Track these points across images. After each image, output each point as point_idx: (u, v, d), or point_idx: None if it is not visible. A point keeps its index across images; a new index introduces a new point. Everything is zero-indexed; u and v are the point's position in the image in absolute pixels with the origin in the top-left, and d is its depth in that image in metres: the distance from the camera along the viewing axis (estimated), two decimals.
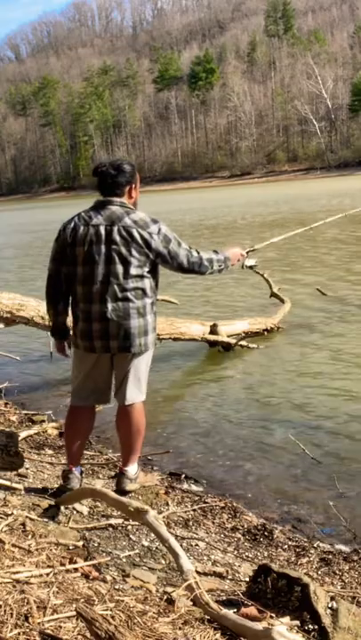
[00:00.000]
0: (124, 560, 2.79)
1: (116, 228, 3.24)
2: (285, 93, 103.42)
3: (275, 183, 75.04)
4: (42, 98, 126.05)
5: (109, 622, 1.81)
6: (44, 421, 5.30)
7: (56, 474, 3.93)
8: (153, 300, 3.38)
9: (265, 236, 19.65)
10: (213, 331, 7.55)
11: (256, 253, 3.96)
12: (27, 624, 1.88)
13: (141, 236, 3.25)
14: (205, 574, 2.77)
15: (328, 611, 2.16)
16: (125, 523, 3.14)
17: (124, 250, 3.23)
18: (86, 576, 2.40)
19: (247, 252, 4.00)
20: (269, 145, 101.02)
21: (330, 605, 2.18)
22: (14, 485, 3.38)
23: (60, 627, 1.90)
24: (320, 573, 3.03)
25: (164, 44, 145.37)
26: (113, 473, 3.98)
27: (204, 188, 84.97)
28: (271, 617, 2.12)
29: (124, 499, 2.85)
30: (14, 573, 2.23)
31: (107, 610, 1.99)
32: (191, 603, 2.17)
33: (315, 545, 3.36)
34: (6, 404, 5.85)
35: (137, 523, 2.92)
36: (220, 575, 2.84)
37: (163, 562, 2.84)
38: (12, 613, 1.91)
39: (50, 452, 4.49)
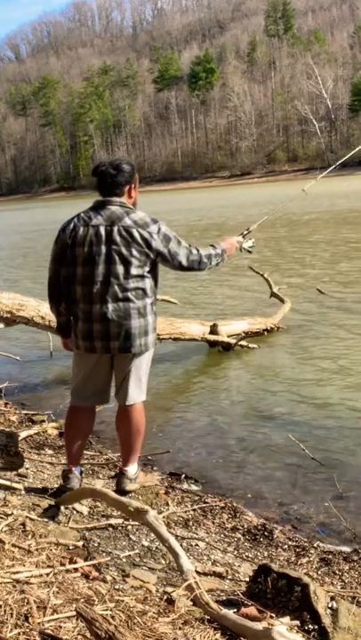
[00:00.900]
0: (124, 560, 2.79)
1: (116, 229, 3.24)
2: (285, 93, 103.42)
3: (274, 183, 75.02)
4: (42, 98, 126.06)
5: (109, 622, 1.81)
6: (44, 421, 5.30)
7: (56, 474, 3.93)
8: (153, 299, 3.38)
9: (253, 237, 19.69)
10: (213, 331, 7.55)
11: (253, 235, 3.95)
12: (27, 624, 1.88)
13: (142, 236, 3.25)
14: (205, 574, 2.77)
15: (328, 611, 2.16)
16: (125, 523, 3.14)
17: (124, 250, 3.23)
18: (86, 576, 2.40)
19: (243, 236, 3.95)
20: (269, 145, 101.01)
21: (330, 605, 2.18)
22: (14, 485, 3.38)
23: (60, 627, 1.90)
24: (320, 573, 3.03)
25: (164, 44, 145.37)
26: (113, 473, 3.98)
27: (204, 188, 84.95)
28: (271, 617, 2.12)
29: (124, 499, 2.85)
30: (14, 573, 2.23)
31: (107, 610, 1.99)
32: (191, 603, 2.17)
33: (315, 545, 3.36)
34: (6, 403, 5.85)
35: (137, 523, 2.92)
36: (220, 575, 2.84)
37: (163, 562, 2.84)
38: (12, 613, 1.91)
39: (50, 451, 4.49)
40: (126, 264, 3.24)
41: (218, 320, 7.84)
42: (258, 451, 4.75)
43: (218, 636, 1.98)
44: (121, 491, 3.44)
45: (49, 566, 2.37)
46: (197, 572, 2.48)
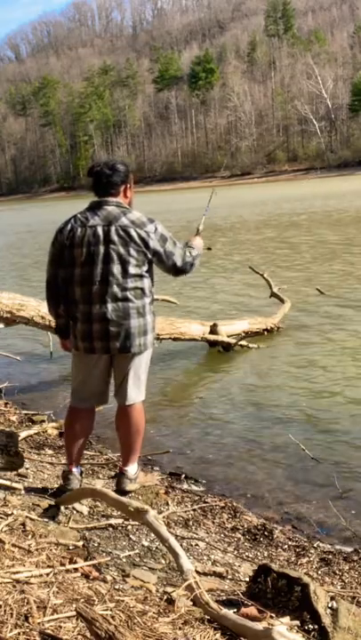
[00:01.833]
0: (124, 560, 2.79)
1: (113, 229, 3.24)
2: (285, 93, 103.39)
3: (275, 183, 75.04)
4: (42, 98, 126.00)
5: (109, 622, 1.81)
6: (44, 421, 5.30)
7: (56, 474, 3.93)
8: (151, 299, 3.39)
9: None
10: (213, 331, 7.55)
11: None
12: (27, 624, 1.88)
13: (139, 235, 3.25)
14: (205, 574, 2.77)
15: (328, 610, 2.16)
16: (125, 523, 3.14)
17: (122, 250, 3.23)
18: (86, 576, 2.40)
19: (199, 235, 3.90)
20: (269, 145, 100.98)
21: (330, 605, 2.18)
22: (14, 485, 3.38)
23: (60, 627, 1.90)
24: (320, 573, 3.03)
25: (164, 44, 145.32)
26: (113, 473, 3.98)
27: (204, 187, 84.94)
28: (271, 617, 2.12)
29: (124, 499, 2.85)
30: (14, 573, 2.23)
31: (107, 610, 1.99)
32: (191, 603, 2.17)
33: (315, 545, 3.36)
34: (6, 403, 5.85)
35: (137, 523, 2.92)
36: (220, 575, 2.84)
37: (163, 562, 2.84)
38: (12, 613, 1.91)
39: (50, 451, 4.49)
40: (125, 264, 3.24)
41: (218, 320, 7.84)
42: (258, 451, 4.75)
43: (218, 635, 1.98)
44: (121, 491, 3.44)
45: (49, 566, 2.37)
46: (197, 572, 2.48)
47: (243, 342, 7.60)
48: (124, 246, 3.24)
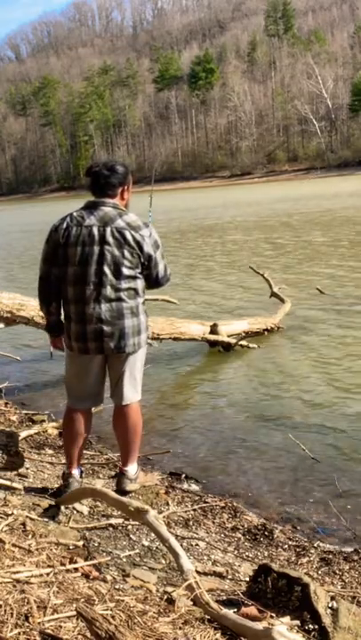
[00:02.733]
0: (125, 560, 2.79)
1: (109, 230, 3.23)
2: (285, 93, 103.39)
3: (275, 183, 75.05)
4: (42, 98, 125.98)
5: (110, 622, 1.81)
6: (44, 421, 5.30)
7: (56, 474, 3.93)
8: (143, 299, 3.40)
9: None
10: (213, 330, 7.55)
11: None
12: (27, 624, 1.88)
13: (134, 238, 3.25)
14: (205, 574, 2.77)
15: (328, 610, 2.16)
16: (125, 522, 3.14)
17: (116, 251, 3.23)
18: (86, 576, 2.40)
19: None
20: (270, 145, 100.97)
21: (330, 605, 2.18)
22: (14, 485, 3.38)
23: (61, 626, 1.90)
24: (320, 573, 3.03)
25: (164, 44, 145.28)
26: (113, 473, 3.98)
27: (204, 187, 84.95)
28: (271, 617, 2.12)
29: (124, 498, 2.85)
30: (14, 573, 2.23)
31: (107, 610, 1.99)
32: (191, 602, 2.17)
33: (315, 545, 3.36)
34: (6, 403, 5.85)
35: (137, 522, 2.92)
36: (220, 575, 2.84)
37: (163, 561, 2.84)
38: (12, 613, 1.91)
39: (50, 451, 4.49)
40: (119, 265, 3.24)
41: (218, 320, 7.84)
42: (258, 450, 4.75)
43: (218, 635, 1.98)
44: (121, 491, 3.43)
45: (49, 566, 2.37)
46: (198, 572, 2.48)
47: (243, 342, 7.60)
48: (119, 248, 3.23)
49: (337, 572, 3.05)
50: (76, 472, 3.45)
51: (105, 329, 3.25)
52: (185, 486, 4.10)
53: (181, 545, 2.74)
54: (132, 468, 3.56)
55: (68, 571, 2.37)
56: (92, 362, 3.36)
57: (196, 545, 3.16)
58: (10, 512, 2.91)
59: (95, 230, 3.23)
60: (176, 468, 4.45)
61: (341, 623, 2.12)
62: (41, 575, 2.26)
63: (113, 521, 3.16)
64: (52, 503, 3.22)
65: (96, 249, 3.22)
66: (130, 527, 3.13)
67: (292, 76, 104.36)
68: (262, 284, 9.78)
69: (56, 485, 3.52)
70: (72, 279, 3.27)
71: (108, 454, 4.53)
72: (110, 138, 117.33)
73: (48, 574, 2.28)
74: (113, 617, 1.87)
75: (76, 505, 3.28)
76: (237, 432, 5.16)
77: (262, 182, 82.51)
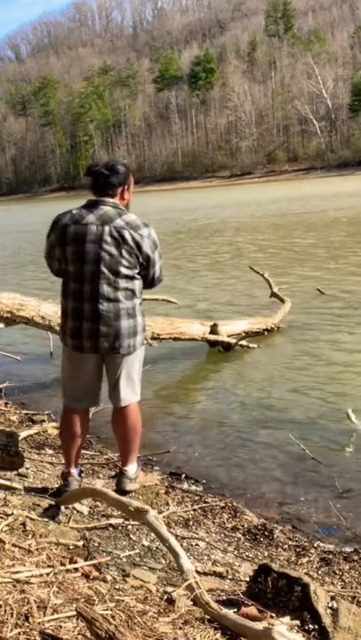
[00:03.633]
0: (125, 560, 2.79)
1: (107, 228, 3.22)
2: (285, 93, 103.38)
3: (275, 183, 75.06)
4: (42, 98, 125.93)
5: (110, 622, 1.81)
6: (44, 421, 5.30)
7: (56, 473, 3.93)
8: (141, 300, 3.39)
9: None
10: (214, 330, 7.55)
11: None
12: (27, 624, 1.88)
13: (133, 238, 3.24)
14: (205, 574, 2.77)
15: (328, 610, 2.16)
16: (125, 522, 3.14)
17: (114, 250, 3.22)
18: (86, 576, 2.40)
19: None
20: (270, 145, 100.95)
21: (330, 605, 2.18)
22: (14, 485, 3.38)
23: (61, 626, 1.90)
24: (320, 573, 3.03)
25: (164, 44, 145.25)
26: (113, 473, 3.98)
27: (204, 188, 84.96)
28: (271, 617, 2.12)
29: (124, 498, 2.85)
30: (14, 573, 2.23)
31: (107, 610, 1.99)
32: (191, 602, 2.17)
33: (315, 545, 3.36)
34: (6, 403, 5.85)
35: (137, 522, 2.92)
36: (220, 575, 2.84)
37: (163, 561, 2.84)
38: (12, 613, 1.91)
39: (50, 451, 4.49)
40: (116, 264, 3.23)
41: (218, 320, 7.84)
42: (258, 450, 4.75)
43: (218, 635, 1.98)
44: (121, 491, 3.43)
45: (49, 566, 2.37)
46: (197, 572, 2.48)
47: (243, 342, 7.60)
48: (117, 247, 3.22)
49: (337, 572, 3.05)
50: (74, 471, 3.44)
51: (101, 328, 3.24)
52: (185, 486, 4.11)
53: (181, 545, 2.74)
54: (131, 468, 3.56)
55: (68, 571, 2.37)
56: (88, 360, 3.34)
57: (196, 545, 3.16)
58: (10, 512, 2.91)
59: (93, 229, 3.22)
60: (176, 467, 4.45)
61: (341, 623, 2.12)
62: (41, 575, 2.26)
63: (113, 521, 3.16)
64: (52, 503, 3.22)
65: (94, 248, 3.22)
66: (130, 527, 3.13)
67: (292, 76, 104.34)
68: (263, 285, 9.78)
69: (56, 485, 3.52)
70: (72, 277, 3.28)
71: (108, 454, 4.53)
72: (110, 138, 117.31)
73: (48, 574, 2.28)
74: (113, 617, 1.88)
75: (76, 505, 3.28)
76: (237, 432, 5.16)
77: (262, 182, 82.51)
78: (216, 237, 21.75)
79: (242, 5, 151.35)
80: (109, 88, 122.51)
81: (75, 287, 3.27)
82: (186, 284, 12.73)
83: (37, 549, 2.54)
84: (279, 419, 5.37)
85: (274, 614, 2.15)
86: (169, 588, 2.45)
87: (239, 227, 24.88)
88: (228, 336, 7.63)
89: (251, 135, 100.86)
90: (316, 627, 2.11)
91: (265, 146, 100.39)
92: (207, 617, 2.08)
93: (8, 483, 3.37)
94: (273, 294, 9.24)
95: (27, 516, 2.90)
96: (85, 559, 2.61)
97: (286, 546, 3.34)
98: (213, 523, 3.55)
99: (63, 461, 4.00)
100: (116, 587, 2.38)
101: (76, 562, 2.51)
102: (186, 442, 5.01)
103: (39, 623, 1.89)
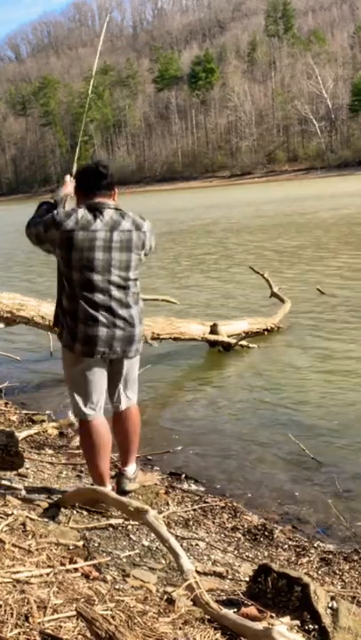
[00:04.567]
0: (125, 560, 2.78)
1: (116, 235, 3.18)
2: (285, 93, 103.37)
3: (275, 183, 75.04)
4: (42, 98, 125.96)
5: (110, 622, 1.81)
6: (44, 421, 5.30)
7: (56, 474, 3.93)
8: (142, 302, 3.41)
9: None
10: (213, 330, 7.55)
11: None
12: (27, 624, 1.88)
13: (139, 237, 3.25)
14: (205, 574, 2.77)
15: (328, 610, 2.16)
16: (125, 523, 3.13)
17: (124, 256, 3.20)
18: (86, 576, 2.40)
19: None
20: (270, 145, 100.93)
21: (330, 605, 2.18)
22: (14, 485, 3.38)
23: (61, 626, 1.90)
24: (320, 573, 3.03)
25: (164, 44, 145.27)
26: (113, 473, 3.97)
27: (204, 188, 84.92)
28: (271, 617, 2.12)
29: (124, 499, 2.86)
30: (14, 573, 2.23)
31: (107, 610, 1.99)
32: (191, 602, 2.17)
33: (315, 545, 3.36)
34: (6, 403, 5.85)
35: (137, 522, 2.92)
36: (220, 575, 2.84)
37: (163, 562, 2.84)
38: (12, 613, 1.91)
39: (50, 451, 4.49)
40: (126, 270, 3.22)
41: (218, 320, 7.84)
42: (258, 450, 4.75)
43: (218, 635, 1.98)
44: (121, 491, 3.43)
45: (49, 566, 2.37)
46: (197, 572, 2.48)
47: (243, 342, 7.60)
48: (127, 252, 3.20)
49: (337, 572, 3.05)
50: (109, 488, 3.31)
51: (117, 334, 3.19)
52: (185, 486, 4.10)
53: (181, 545, 2.74)
54: (131, 468, 3.56)
55: (68, 571, 2.37)
56: (98, 365, 3.26)
57: (196, 545, 3.16)
58: (10, 512, 2.91)
59: (102, 235, 3.15)
60: (176, 467, 4.45)
61: (341, 623, 2.12)
62: (41, 575, 2.26)
63: (113, 521, 3.16)
64: (52, 503, 3.22)
65: (104, 255, 3.16)
66: (130, 527, 3.12)
67: (292, 76, 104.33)
68: (263, 285, 9.77)
69: (56, 485, 3.52)
70: (79, 284, 3.17)
71: None
72: (110, 138, 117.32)
73: (48, 574, 2.28)
74: (113, 617, 1.88)
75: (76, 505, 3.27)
76: (237, 432, 5.16)
77: (262, 182, 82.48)
78: (216, 237, 21.75)
79: (242, 5, 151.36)
80: (109, 88, 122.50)
81: (84, 294, 3.15)
82: (185, 284, 12.73)
83: (37, 549, 2.54)
84: (279, 419, 5.37)
85: (274, 614, 2.15)
86: (169, 588, 2.45)
87: (240, 227, 24.88)
88: (228, 336, 7.63)
89: (251, 135, 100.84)
90: (316, 627, 2.11)
91: (265, 146, 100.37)
92: (207, 617, 2.08)
93: (8, 483, 3.37)
94: (273, 294, 9.23)
95: (27, 516, 2.90)
96: (85, 559, 2.61)
97: (286, 546, 3.33)
98: (213, 523, 3.55)
99: (63, 461, 4.00)
100: (116, 587, 2.38)
101: (76, 562, 2.51)
102: (186, 442, 5.01)
103: (39, 623, 1.89)
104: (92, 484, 3.40)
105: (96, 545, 2.87)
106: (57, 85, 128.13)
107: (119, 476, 3.56)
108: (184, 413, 5.76)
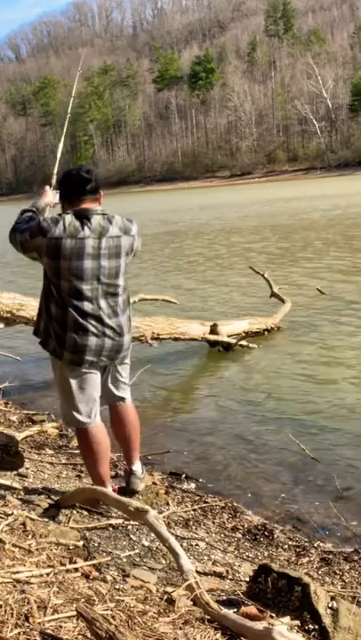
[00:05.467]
0: (125, 560, 2.78)
1: (104, 242, 3.12)
2: (285, 93, 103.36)
3: (275, 183, 75.04)
4: (42, 98, 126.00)
5: (110, 622, 1.81)
6: (44, 421, 5.30)
7: (56, 474, 3.93)
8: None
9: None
10: (214, 331, 7.55)
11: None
12: (27, 624, 1.88)
13: (128, 242, 3.21)
14: (206, 574, 2.77)
15: (328, 610, 2.16)
16: (126, 523, 3.13)
17: (114, 263, 3.16)
18: (86, 576, 2.40)
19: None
20: (270, 145, 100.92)
21: (330, 605, 2.18)
22: (14, 485, 3.38)
23: (61, 627, 1.90)
24: (320, 573, 3.03)
25: (164, 44, 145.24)
26: (113, 473, 3.98)
27: (204, 188, 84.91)
28: (271, 617, 2.12)
29: (124, 498, 2.85)
30: (15, 573, 2.23)
31: (107, 610, 1.99)
32: (191, 602, 2.17)
33: (315, 545, 3.36)
34: (6, 403, 5.85)
35: (137, 522, 2.92)
36: (220, 575, 2.84)
37: (163, 561, 2.84)
38: (12, 613, 1.91)
39: (50, 451, 4.49)
40: (116, 277, 3.18)
41: (218, 320, 7.84)
42: (258, 450, 4.75)
43: (218, 635, 1.98)
44: (132, 491, 3.43)
45: (49, 566, 2.37)
46: (198, 572, 2.48)
47: (243, 342, 7.60)
48: (116, 258, 3.16)
49: (337, 571, 3.05)
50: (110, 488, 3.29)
51: (106, 343, 3.17)
52: (185, 486, 4.11)
53: (181, 545, 2.74)
54: (138, 467, 3.55)
55: (68, 571, 2.37)
56: (89, 373, 3.23)
57: (196, 545, 3.16)
58: (10, 512, 2.91)
59: (90, 242, 3.08)
60: (176, 467, 4.45)
61: (341, 623, 2.12)
62: (41, 575, 2.26)
63: (113, 521, 3.16)
64: (52, 503, 3.22)
65: (92, 263, 3.09)
66: (130, 527, 3.12)
67: (292, 76, 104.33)
68: (263, 285, 9.77)
69: (56, 485, 3.52)
70: (68, 292, 3.10)
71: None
72: (110, 138, 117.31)
73: (48, 574, 2.28)
74: (113, 617, 1.87)
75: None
76: (237, 432, 5.16)
77: (262, 182, 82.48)
78: (215, 237, 21.74)
79: (242, 5, 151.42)
80: (109, 88, 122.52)
81: (73, 303, 3.09)
82: (185, 284, 12.73)
83: (37, 549, 2.53)
84: (279, 419, 5.37)
85: (274, 614, 2.15)
86: (169, 588, 2.45)
87: (240, 227, 24.88)
88: (229, 336, 7.63)
89: (251, 135, 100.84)
90: (317, 627, 2.11)
91: (265, 146, 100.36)
92: (207, 617, 2.08)
93: (8, 483, 3.37)
94: (273, 294, 9.23)
95: (27, 516, 2.90)
96: (85, 559, 2.61)
97: (286, 546, 3.33)
98: (213, 523, 3.55)
99: (63, 461, 4.00)
100: (116, 587, 2.38)
101: (76, 562, 2.51)
102: (186, 442, 5.01)
103: (39, 623, 1.89)
104: (92, 485, 3.40)
105: (96, 545, 2.87)
106: (57, 85, 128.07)
107: (129, 476, 3.54)
108: (184, 413, 5.76)
